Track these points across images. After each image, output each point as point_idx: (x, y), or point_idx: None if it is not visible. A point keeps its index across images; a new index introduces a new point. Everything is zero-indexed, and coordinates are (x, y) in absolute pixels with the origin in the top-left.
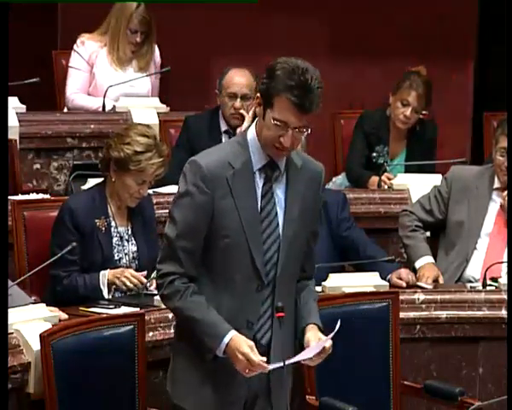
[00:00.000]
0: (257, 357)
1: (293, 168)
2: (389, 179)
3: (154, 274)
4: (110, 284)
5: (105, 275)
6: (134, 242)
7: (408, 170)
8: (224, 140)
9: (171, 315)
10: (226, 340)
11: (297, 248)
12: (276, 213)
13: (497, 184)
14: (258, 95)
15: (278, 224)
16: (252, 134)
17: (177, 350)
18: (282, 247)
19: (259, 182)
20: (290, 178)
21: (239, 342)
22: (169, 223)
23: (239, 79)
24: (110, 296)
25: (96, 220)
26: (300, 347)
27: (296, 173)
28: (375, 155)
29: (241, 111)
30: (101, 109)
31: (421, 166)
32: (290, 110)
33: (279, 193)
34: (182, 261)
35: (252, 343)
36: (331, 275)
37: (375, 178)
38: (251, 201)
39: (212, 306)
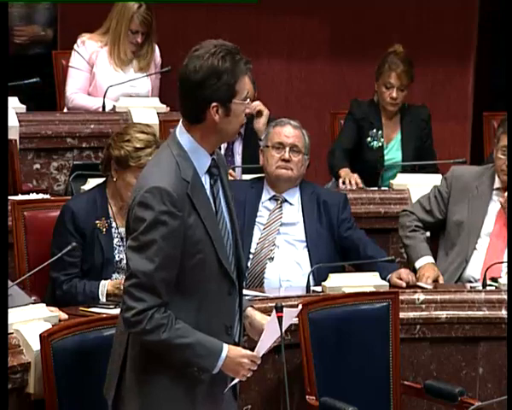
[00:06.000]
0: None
1: (217, 157)
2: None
3: None
4: (109, 295)
5: (104, 285)
6: None
7: (405, 159)
8: None
9: None
10: (224, 354)
11: (240, 239)
12: (223, 209)
13: (497, 184)
14: (215, 104)
15: (226, 220)
16: (187, 141)
17: (149, 380)
18: (234, 242)
19: (207, 185)
20: (220, 169)
21: (236, 350)
22: (140, 256)
23: None
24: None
25: (97, 221)
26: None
27: (220, 162)
28: (369, 139)
29: (258, 108)
30: (101, 109)
31: (418, 153)
32: (247, 81)
33: (219, 187)
34: (160, 292)
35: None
36: (331, 275)
37: (343, 171)
38: (209, 207)
39: (191, 322)
